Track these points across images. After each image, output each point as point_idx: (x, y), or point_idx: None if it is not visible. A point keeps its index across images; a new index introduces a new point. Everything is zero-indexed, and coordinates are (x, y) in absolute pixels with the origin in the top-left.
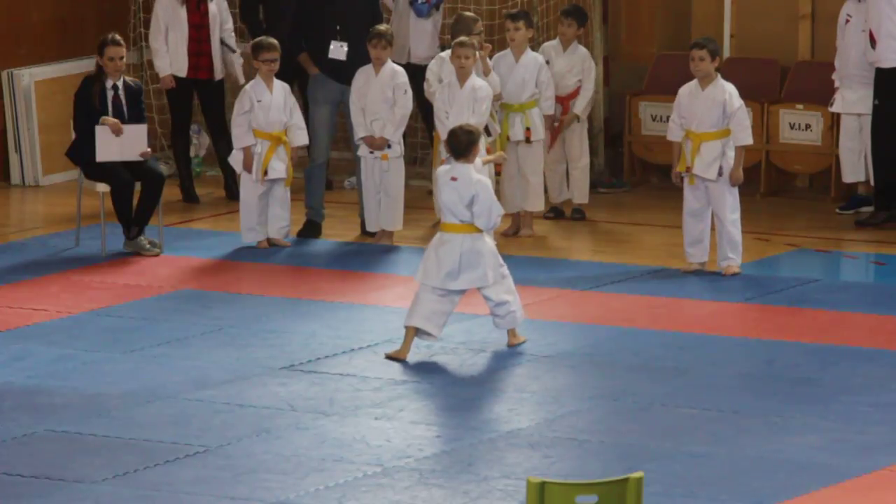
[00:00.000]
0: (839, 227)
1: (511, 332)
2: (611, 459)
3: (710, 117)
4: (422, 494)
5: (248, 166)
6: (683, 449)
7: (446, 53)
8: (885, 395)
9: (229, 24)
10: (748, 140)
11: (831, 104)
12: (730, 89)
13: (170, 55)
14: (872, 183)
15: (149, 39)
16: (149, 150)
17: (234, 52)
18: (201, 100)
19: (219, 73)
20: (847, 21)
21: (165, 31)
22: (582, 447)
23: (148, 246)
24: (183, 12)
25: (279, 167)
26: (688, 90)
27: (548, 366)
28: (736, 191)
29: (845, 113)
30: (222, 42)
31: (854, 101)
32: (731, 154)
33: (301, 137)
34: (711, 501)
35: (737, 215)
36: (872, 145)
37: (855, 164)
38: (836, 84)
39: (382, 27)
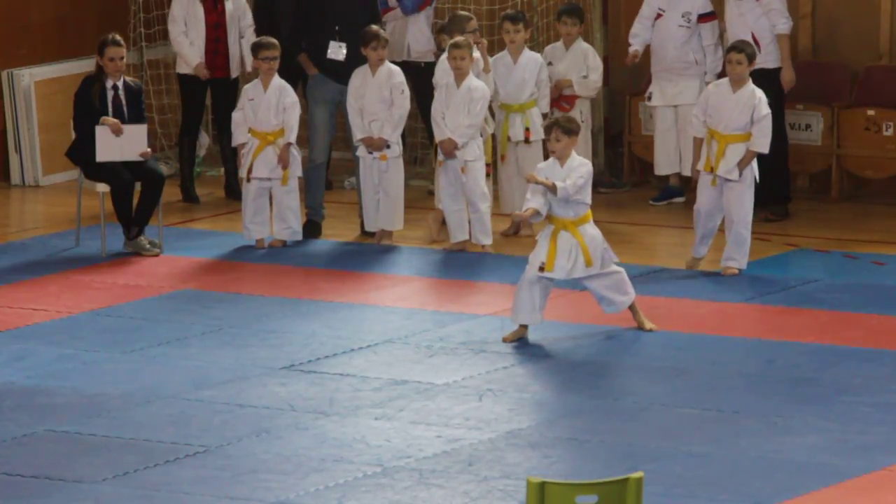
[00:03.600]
0: (839, 227)
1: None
2: (611, 459)
3: (738, 120)
4: (422, 494)
5: (240, 163)
6: (683, 449)
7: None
8: (885, 395)
9: (248, 20)
10: (765, 149)
11: (648, 98)
12: (760, 95)
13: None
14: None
15: (169, 34)
16: (149, 150)
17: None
18: (215, 98)
19: (234, 72)
20: (659, 16)
21: (184, 26)
22: (582, 447)
23: (148, 246)
24: (200, 11)
25: (264, 167)
26: (717, 89)
27: (548, 366)
28: (752, 193)
29: (664, 106)
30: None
31: (674, 94)
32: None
33: (286, 136)
34: (711, 501)
35: (750, 217)
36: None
37: (671, 156)
38: (633, 59)
39: (375, 28)
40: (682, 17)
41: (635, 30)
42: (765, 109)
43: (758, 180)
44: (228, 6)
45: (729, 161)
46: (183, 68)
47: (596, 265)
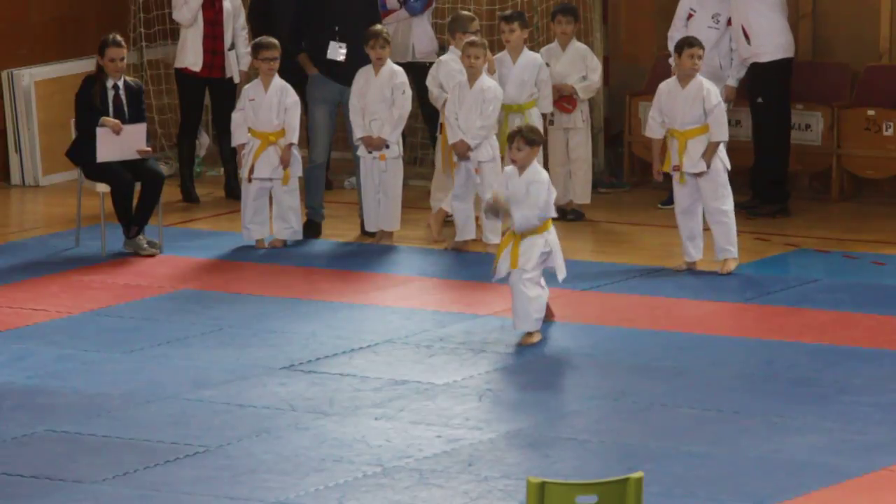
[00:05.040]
0: (839, 227)
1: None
2: (611, 459)
3: (691, 114)
4: (422, 494)
5: (239, 164)
6: (683, 449)
7: (445, 57)
8: (885, 395)
9: (242, 21)
10: (724, 137)
11: None
12: (708, 86)
13: (187, 49)
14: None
15: (173, 13)
16: (148, 148)
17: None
18: (213, 98)
19: (230, 72)
20: (690, 16)
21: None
22: (582, 447)
23: (146, 246)
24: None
25: (265, 168)
26: (667, 88)
27: (548, 366)
28: (727, 182)
29: None
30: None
31: None
32: (720, 148)
33: (288, 137)
34: (711, 501)
35: (729, 206)
36: (761, 140)
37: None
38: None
39: (378, 27)
40: (712, 18)
41: (671, 33)
42: (714, 99)
43: (728, 168)
44: (226, 5)
45: (692, 156)
46: (181, 62)
47: (526, 264)
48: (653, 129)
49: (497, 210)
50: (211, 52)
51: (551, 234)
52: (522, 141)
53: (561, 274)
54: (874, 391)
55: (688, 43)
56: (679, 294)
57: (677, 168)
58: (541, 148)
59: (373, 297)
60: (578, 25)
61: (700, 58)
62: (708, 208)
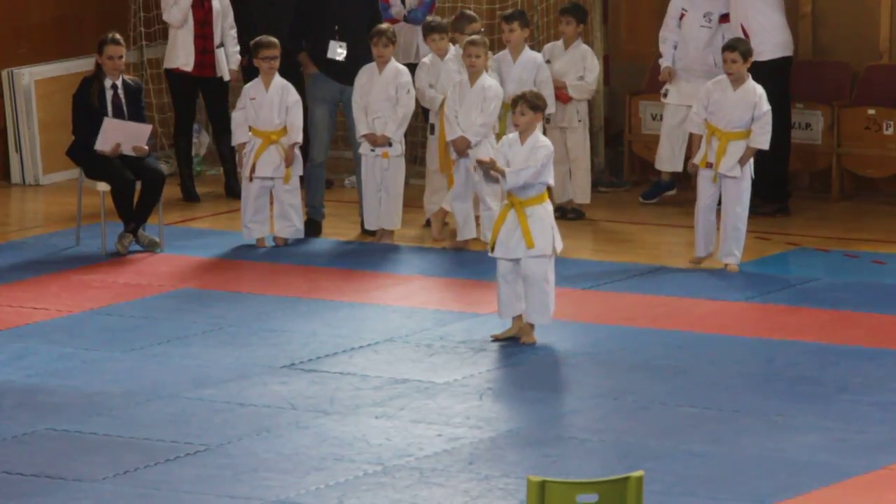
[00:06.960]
0: (840, 226)
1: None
2: (611, 458)
3: (741, 118)
4: (422, 493)
5: (239, 163)
6: (683, 448)
7: (428, 58)
8: (885, 394)
9: (230, 20)
10: (765, 146)
11: (664, 95)
12: (760, 92)
13: (178, 50)
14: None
15: (163, 14)
16: (146, 147)
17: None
18: (206, 97)
19: (220, 71)
20: (682, 15)
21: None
22: (582, 446)
23: (126, 244)
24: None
25: (267, 167)
26: (718, 87)
27: (548, 365)
28: (749, 188)
29: (677, 104)
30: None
31: (689, 93)
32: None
33: (291, 136)
34: (711, 501)
35: (747, 213)
36: None
37: (675, 153)
38: (667, 77)
39: (384, 26)
40: (704, 17)
41: (663, 33)
42: (765, 106)
43: (753, 177)
44: (215, 4)
45: (731, 158)
46: (172, 63)
47: (540, 247)
48: (697, 124)
49: (487, 169)
50: (202, 51)
51: (550, 205)
52: (526, 105)
53: (559, 245)
54: (874, 390)
55: (726, 46)
56: (679, 293)
57: (711, 166)
58: (543, 115)
59: (373, 295)
60: (582, 27)
61: (734, 62)
62: (727, 212)
